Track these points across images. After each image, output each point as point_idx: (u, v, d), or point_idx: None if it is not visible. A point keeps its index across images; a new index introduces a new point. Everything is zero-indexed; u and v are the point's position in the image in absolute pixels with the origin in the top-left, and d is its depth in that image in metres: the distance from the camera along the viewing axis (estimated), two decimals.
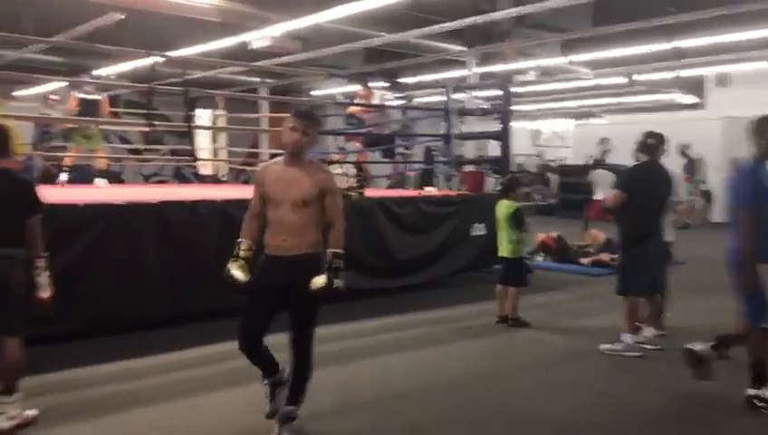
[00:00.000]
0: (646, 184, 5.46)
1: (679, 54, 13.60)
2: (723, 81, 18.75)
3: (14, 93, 10.28)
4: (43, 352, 4.97)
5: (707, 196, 17.85)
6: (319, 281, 3.43)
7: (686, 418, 4.15)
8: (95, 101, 9.67)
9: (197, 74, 13.13)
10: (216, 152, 10.33)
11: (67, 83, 10.79)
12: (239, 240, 3.62)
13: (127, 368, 4.99)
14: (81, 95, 9.59)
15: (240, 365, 3.74)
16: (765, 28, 11.36)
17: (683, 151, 17.42)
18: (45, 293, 3.95)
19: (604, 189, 11.65)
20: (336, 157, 12.09)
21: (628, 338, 5.45)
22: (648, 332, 5.67)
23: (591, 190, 11.83)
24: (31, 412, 3.93)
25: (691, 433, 3.91)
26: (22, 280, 3.87)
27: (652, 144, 5.53)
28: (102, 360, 5.07)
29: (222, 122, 10.84)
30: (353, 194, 7.78)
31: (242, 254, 3.56)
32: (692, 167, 17.77)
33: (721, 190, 16.17)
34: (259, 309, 3.54)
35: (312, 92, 18.92)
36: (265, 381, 3.72)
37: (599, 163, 12.74)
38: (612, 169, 10.31)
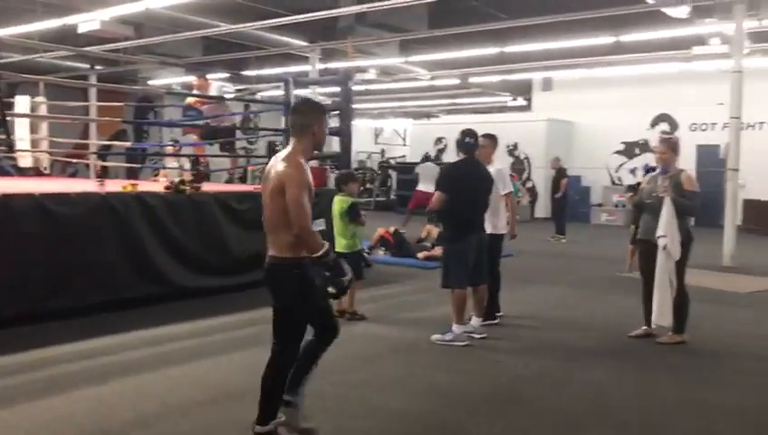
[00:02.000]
0: (462, 181, 5.69)
1: (509, 59, 14.49)
2: (547, 85, 20.21)
3: None
4: None
5: (532, 192, 19.16)
6: None
7: (510, 402, 4.40)
8: None
9: (16, 58, 12.07)
10: (36, 143, 9.55)
11: None
12: (328, 247, 3.35)
13: None
14: None
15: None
16: (583, 38, 12.43)
17: (510, 151, 18.60)
18: None
19: (425, 183, 12.44)
20: (170, 149, 11.62)
21: (456, 328, 5.69)
22: (475, 321, 5.95)
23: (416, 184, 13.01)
24: None
25: (515, 415, 4.14)
26: None
27: (469, 142, 5.75)
28: None
29: (43, 110, 10.04)
30: (187, 188, 7.52)
31: None
32: (519, 165, 19.02)
33: (545, 187, 17.45)
34: None
35: (149, 82, 18.08)
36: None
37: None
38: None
